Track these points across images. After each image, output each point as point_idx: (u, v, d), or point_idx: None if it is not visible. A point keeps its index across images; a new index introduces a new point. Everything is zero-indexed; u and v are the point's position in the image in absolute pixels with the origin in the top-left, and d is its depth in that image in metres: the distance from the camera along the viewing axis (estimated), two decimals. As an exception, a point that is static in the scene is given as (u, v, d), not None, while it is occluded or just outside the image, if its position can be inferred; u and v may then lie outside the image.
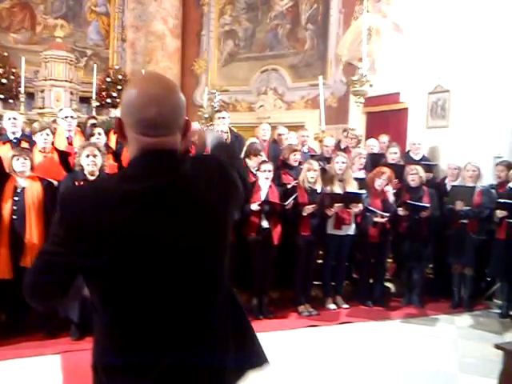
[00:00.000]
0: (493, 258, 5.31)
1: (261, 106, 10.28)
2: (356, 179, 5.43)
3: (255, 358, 1.48)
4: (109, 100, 9.92)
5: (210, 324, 1.32)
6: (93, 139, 4.79)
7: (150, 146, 1.25)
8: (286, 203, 4.86)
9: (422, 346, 4.43)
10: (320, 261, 5.40)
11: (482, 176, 5.62)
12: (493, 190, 5.57)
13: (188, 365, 1.26)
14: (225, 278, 1.39)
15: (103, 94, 9.94)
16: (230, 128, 6.17)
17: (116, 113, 5.73)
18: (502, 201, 5.15)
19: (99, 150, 4.05)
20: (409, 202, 5.31)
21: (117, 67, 10.56)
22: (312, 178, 5.08)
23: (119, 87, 9.89)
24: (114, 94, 9.90)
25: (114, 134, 5.64)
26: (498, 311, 5.42)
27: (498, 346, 2.16)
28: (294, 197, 4.93)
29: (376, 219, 5.28)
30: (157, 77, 1.34)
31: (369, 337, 4.65)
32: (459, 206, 5.32)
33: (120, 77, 10.24)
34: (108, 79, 10.17)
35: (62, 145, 5.06)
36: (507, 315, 5.29)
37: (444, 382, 3.70)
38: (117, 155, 4.98)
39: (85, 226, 1.20)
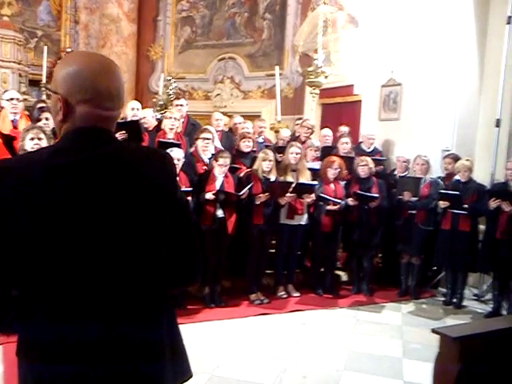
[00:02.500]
0: (438, 248, 5.50)
1: (217, 94, 10.19)
2: (310, 170, 5.50)
3: (184, 371, 1.44)
4: (60, 84, 9.56)
5: (142, 309, 1.28)
6: (40, 124, 4.61)
7: (101, 120, 1.25)
8: (241, 193, 4.85)
9: (370, 333, 4.56)
10: (272, 250, 5.45)
11: (431, 168, 5.80)
12: (440, 182, 5.76)
13: (113, 343, 1.22)
14: (158, 267, 1.31)
15: (54, 77, 9.58)
16: (187, 115, 6.11)
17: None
18: (445, 192, 5.34)
19: (45, 134, 3.90)
20: (358, 192, 5.42)
21: (69, 50, 10.18)
22: (267, 167, 5.11)
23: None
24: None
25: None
26: (443, 299, 5.63)
27: (434, 331, 2.24)
28: (249, 186, 4.93)
29: (329, 207, 5.37)
30: (93, 53, 1.36)
31: (319, 324, 4.74)
32: (407, 196, 5.49)
33: (72, 60, 9.89)
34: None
35: (7, 128, 4.86)
36: (451, 303, 5.51)
37: (389, 367, 3.82)
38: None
39: (10, 200, 1.16)
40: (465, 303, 5.52)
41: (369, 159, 5.64)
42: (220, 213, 4.84)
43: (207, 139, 5.12)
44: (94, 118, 1.24)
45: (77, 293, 1.20)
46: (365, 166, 5.55)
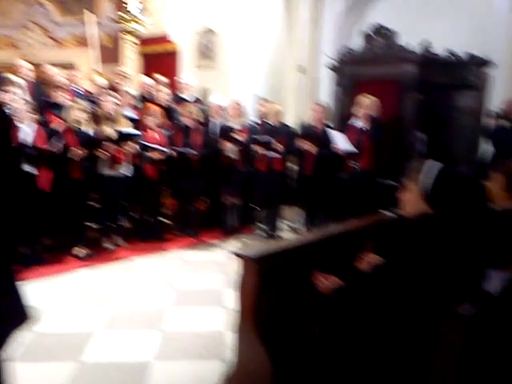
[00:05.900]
0: (256, 188, 5.96)
1: (26, 42, 9.27)
2: (128, 118, 5.43)
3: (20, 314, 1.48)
4: None
5: None
6: None
7: None
8: (55, 149, 4.60)
9: (196, 271, 4.84)
10: (97, 204, 5.33)
11: (246, 113, 6.14)
12: (257, 127, 6.15)
13: None
14: None
15: None
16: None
17: None
18: (255, 137, 5.75)
19: None
20: (179, 150, 5.55)
21: None
22: (82, 118, 4.91)
23: None
24: None
25: None
26: (264, 234, 6.16)
27: (236, 254, 2.47)
28: (60, 140, 4.70)
29: (152, 155, 5.41)
30: None
31: (146, 269, 4.87)
32: (224, 145, 5.80)
33: None
34: None
35: None
36: (269, 236, 6.05)
37: (211, 298, 4.15)
38: None
39: None
40: (282, 235, 6.10)
41: (195, 110, 5.74)
42: (29, 169, 4.53)
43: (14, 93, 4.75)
44: None
45: None
46: (191, 119, 5.66)
